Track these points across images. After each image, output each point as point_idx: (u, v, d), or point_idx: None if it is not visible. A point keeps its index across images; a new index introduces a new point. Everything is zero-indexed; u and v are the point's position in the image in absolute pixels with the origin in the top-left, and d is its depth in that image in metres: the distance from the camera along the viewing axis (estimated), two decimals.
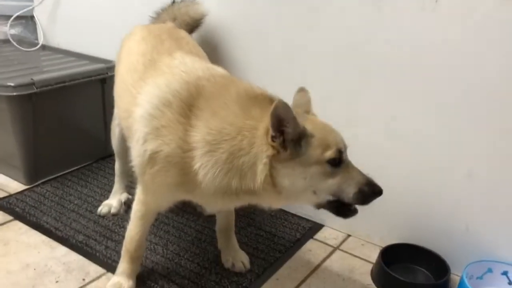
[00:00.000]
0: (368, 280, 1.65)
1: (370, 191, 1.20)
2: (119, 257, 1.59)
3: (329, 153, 1.16)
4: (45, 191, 2.08)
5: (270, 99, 1.22)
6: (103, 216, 1.91)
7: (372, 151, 1.71)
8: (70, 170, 2.26)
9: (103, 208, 1.93)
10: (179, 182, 1.26)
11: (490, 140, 1.51)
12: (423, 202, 1.69)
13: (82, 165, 2.31)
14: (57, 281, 1.55)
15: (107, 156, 2.36)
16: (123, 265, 1.53)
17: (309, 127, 1.17)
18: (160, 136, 1.23)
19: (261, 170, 1.15)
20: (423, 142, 1.63)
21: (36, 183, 2.13)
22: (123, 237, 1.69)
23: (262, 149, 1.15)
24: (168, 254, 1.70)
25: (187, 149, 1.21)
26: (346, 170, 1.19)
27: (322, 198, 1.20)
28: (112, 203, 1.94)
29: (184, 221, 1.91)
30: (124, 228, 1.81)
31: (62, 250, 1.70)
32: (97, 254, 1.69)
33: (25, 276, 1.56)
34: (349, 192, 1.19)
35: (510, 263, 1.57)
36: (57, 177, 2.20)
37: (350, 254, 1.78)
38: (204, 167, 1.19)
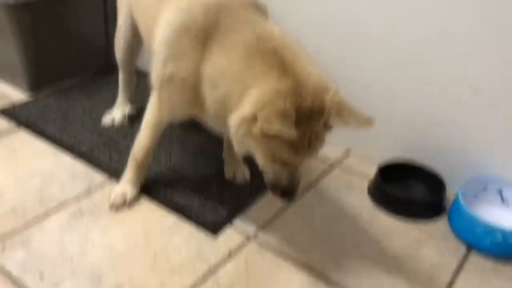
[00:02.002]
0: (365, 196, 1.69)
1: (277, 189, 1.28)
2: (123, 168, 1.62)
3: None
4: (48, 102, 2.09)
5: (278, 58, 1.16)
6: (107, 128, 1.93)
7: (373, 67, 1.69)
8: (72, 81, 2.26)
9: (107, 120, 1.95)
10: (192, 101, 1.32)
11: (496, 57, 1.48)
12: (424, 120, 1.69)
13: (85, 78, 2.30)
14: (62, 187, 1.60)
15: (109, 66, 2.34)
16: (128, 174, 1.58)
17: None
18: (178, 60, 1.29)
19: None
20: (427, 58, 1.60)
21: (40, 94, 2.14)
22: (127, 148, 1.72)
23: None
24: (171, 165, 1.75)
25: (198, 78, 1.26)
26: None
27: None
28: (116, 114, 1.96)
29: (187, 134, 1.93)
30: (127, 139, 1.85)
31: (67, 159, 1.74)
32: (102, 164, 1.73)
33: (33, 182, 1.62)
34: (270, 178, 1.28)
35: (505, 181, 1.59)
36: (60, 89, 2.20)
37: (349, 171, 1.82)
38: (208, 99, 1.27)
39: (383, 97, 1.72)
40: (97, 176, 1.67)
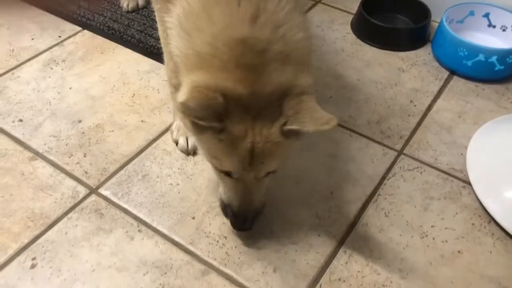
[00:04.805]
0: (348, 29, 1.63)
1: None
2: (93, 16, 1.53)
3: None
4: None
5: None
6: (131, 11, 1.68)
7: None
8: None
9: (130, 3, 1.67)
10: None
11: None
12: None
13: None
14: (32, 39, 1.54)
15: None
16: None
17: None
18: None
19: None
20: None
21: None
22: None
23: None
24: (145, 10, 1.67)
25: None
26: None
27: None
28: None
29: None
30: None
31: (34, 11, 1.65)
32: (71, 13, 1.64)
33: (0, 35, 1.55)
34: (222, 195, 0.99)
35: (492, 4, 1.52)
36: None
37: (331, 6, 1.73)
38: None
39: None
40: (68, 26, 1.60)
